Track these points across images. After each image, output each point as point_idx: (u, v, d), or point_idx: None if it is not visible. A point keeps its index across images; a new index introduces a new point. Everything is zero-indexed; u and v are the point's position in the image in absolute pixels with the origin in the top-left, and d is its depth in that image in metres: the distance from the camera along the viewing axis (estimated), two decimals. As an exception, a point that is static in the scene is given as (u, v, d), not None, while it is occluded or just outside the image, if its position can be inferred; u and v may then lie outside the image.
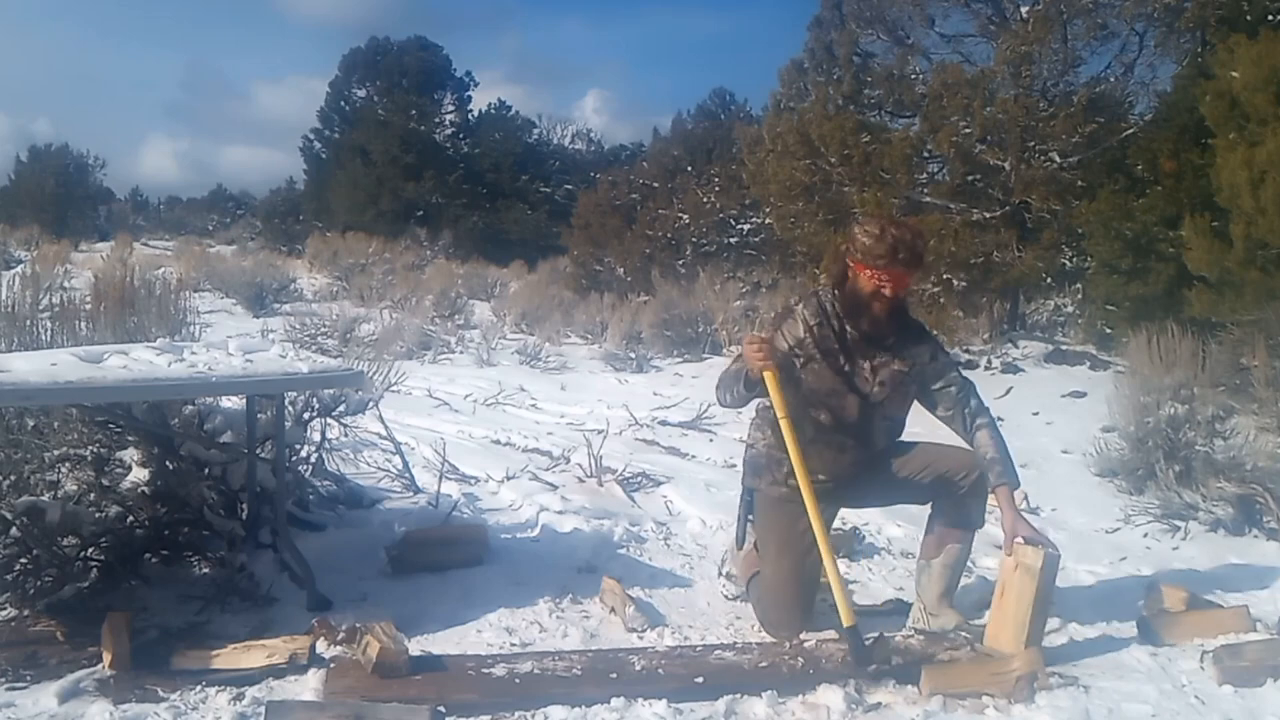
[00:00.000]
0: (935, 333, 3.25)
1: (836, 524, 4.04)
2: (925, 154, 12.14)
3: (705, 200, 18.70)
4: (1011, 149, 11.19)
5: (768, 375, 2.93)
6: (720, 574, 3.65)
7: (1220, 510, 4.56)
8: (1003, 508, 3.04)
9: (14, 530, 3.12)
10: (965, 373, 3.34)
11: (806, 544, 3.01)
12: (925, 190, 12.12)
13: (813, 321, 3.09)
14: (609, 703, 2.56)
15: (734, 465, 5.43)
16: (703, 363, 10.89)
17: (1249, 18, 8.35)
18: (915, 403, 3.20)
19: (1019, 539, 2.98)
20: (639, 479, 5.23)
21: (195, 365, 2.98)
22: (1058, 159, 11.16)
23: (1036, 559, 2.91)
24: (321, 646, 2.84)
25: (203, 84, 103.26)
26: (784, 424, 2.94)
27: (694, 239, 18.59)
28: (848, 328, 3.09)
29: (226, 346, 3.32)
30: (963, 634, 3.07)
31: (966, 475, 3.16)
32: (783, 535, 3.15)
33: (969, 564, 4.11)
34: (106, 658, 2.70)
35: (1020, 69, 11.09)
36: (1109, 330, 9.23)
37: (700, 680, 2.69)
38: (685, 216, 18.90)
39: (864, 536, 4.34)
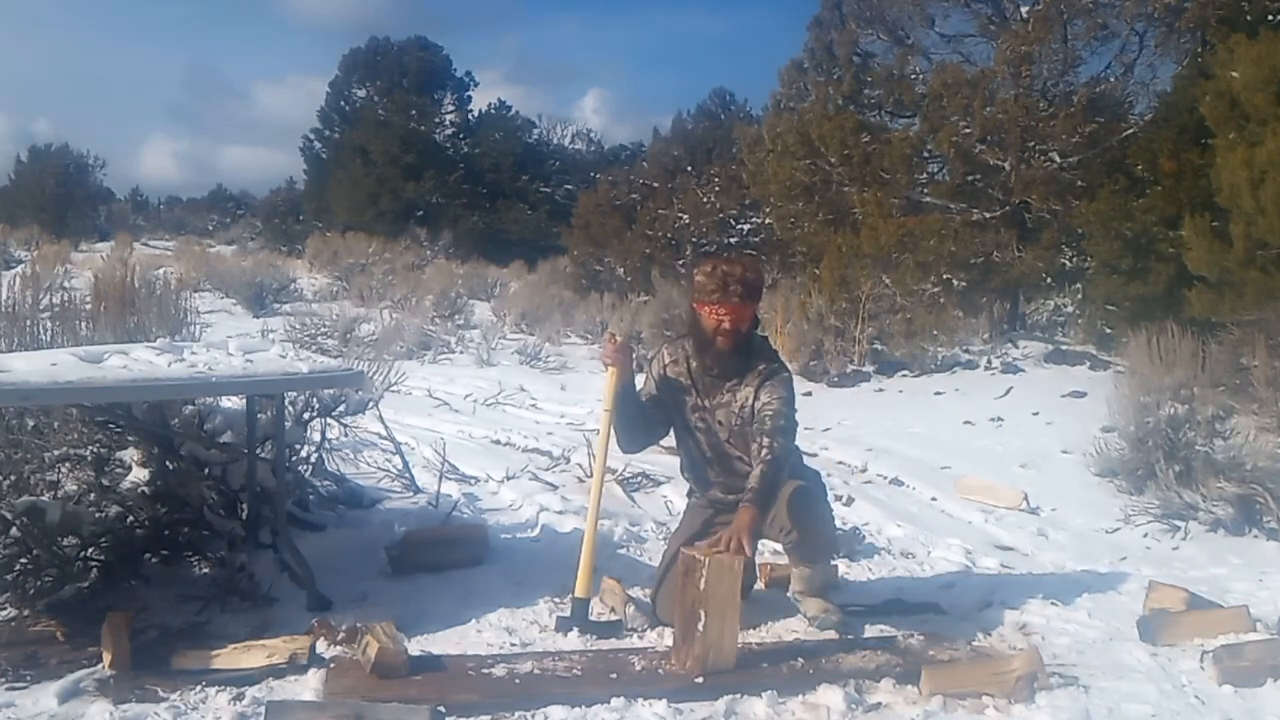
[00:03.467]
0: (785, 370, 3.23)
1: (836, 524, 4.04)
2: (925, 154, 12.15)
3: (705, 200, 18.70)
4: (1011, 149, 11.19)
5: (611, 370, 3.26)
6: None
7: (1220, 510, 4.56)
8: (736, 520, 2.91)
9: (14, 530, 3.12)
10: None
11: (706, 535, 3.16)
12: (925, 190, 12.13)
13: (668, 361, 3.33)
14: (609, 703, 2.56)
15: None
16: (703, 363, 10.87)
17: (1249, 18, 8.36)
18: None
19: (718, 549, 2.82)
20: (639, 479, 5.23)
21: (195, 365, 2.97)
22: (1058, 159, 11.16)
23: (697, 566, 2.74)
24: (321, 646, 2.84)
25: (203, 84, 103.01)
26: (604, 416, 3.27)
27: (694, 239, 18.58)
28: (697, 366, 3.25)
29: (226, 346, 3.32)
30: (830, 617, 3.18)
31: (789, 534, 3.16)
32: (688, 528, 3.37)
33: (969, 564, 4.12)
34: (106, 658, 2.70)
35: (1020, 69, 11.10)
36: (1109, 330, 9.23)
37: (700, 680, 2.69)
38: (685, 216, 18.90)
39: (864, 536, 4.34)
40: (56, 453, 3.47)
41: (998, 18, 12.11)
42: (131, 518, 3.43)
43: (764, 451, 3.06)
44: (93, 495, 3.42)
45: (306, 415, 4.02)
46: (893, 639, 3.09)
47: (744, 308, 3.13)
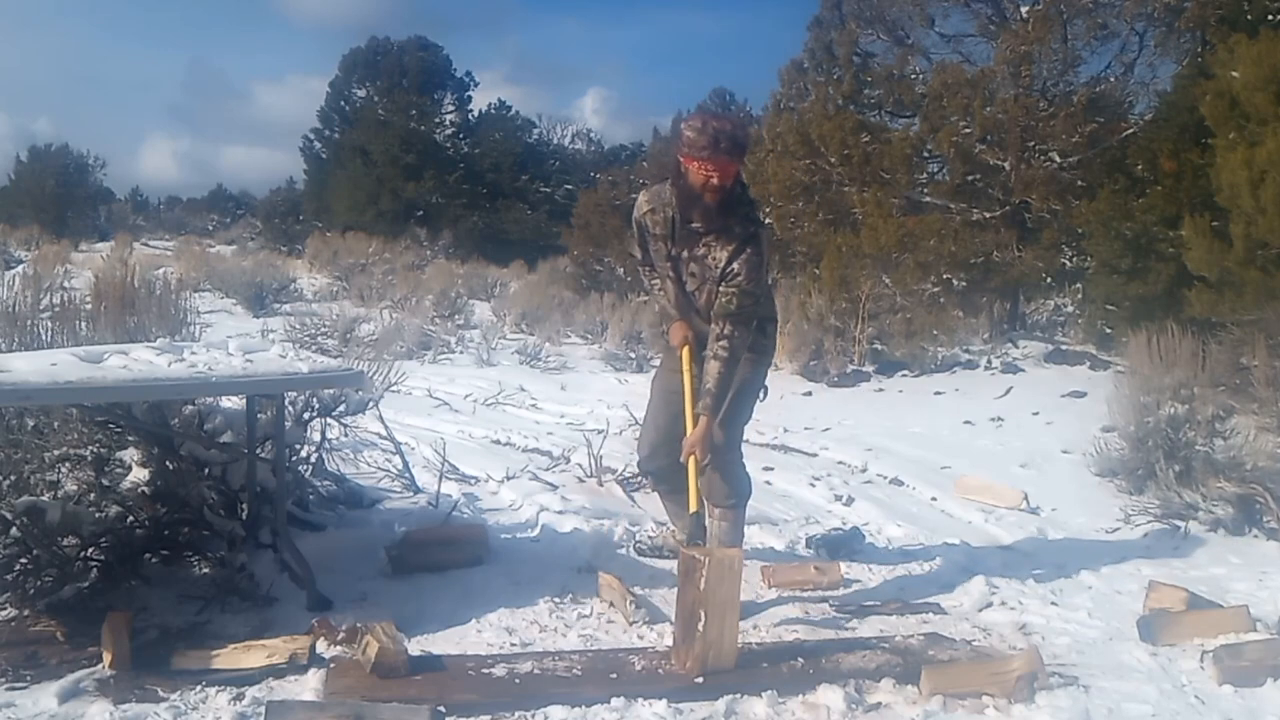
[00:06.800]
0: (762, 230, 3.32)
1: (836, 524, 4.04)
2: (925, 154, 12.16)
3: (705, 200, 18.66)
4: (1011, 149, 11.20)
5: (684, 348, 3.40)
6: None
7: (1220, 510, 4.56)
8: (696, 429, 3.22)
9: (14, 530, 3.12)
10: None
11: (671, 395, 3.45)
12: (925, 190, 12.14)
13: (646, 209, 3.40)
14: (609, 703, 2.56)
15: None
16: (703, 363, 10.88)
17: (1249, 18, 8.36)
18: None
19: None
20: (639, 479, 5.22)
21: (195, 365, 2.97)
22: (1058, 159, 11.17)
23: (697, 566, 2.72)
24: (321, 646, 2.84)
25: (203, 84, 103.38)
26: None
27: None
28: (677, 218, 3.30)
29: (226, 346, 3.32)
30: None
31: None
32: (660, 384, 3.66)
33: (969, 564, 4.11)
34: (106, 658, 2.70)
35: (1020, 69, 11.10)
36: (1109, 330, 9.24)
37: (700, 680, 2.69)
38: (685, 216, 18.88)
39: (865, 536, 4.34)
40: (56, 453, 3.46)
41: (998, 18, 12.11)
42: (131, 518, 3.43)
43: (720, 344, 3.19)
44: (93, 495, 3.42)
45: (306, 415, 4.02)
46: (893, 639, 3.09)
47: (732, 164, 3.15)
